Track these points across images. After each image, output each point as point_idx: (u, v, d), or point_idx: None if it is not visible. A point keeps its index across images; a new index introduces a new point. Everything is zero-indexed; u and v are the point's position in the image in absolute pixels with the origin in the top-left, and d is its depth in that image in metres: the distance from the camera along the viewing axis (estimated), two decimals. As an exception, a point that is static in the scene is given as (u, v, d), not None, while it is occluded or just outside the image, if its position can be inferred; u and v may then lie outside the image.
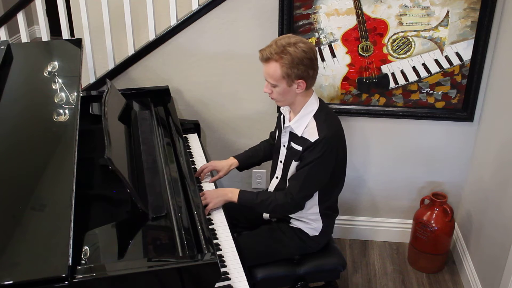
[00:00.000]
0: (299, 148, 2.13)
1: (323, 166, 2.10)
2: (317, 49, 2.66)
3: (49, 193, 1.72)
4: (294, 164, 2.17)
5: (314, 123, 2.10)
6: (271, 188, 2.35)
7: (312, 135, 2.08)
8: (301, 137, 2.12)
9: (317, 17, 2.62)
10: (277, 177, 2.33)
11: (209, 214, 2.17)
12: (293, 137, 2.17)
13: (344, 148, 2.21)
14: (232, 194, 2.21)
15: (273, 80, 2.04)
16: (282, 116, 2.29)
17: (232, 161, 2.45)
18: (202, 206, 2.00)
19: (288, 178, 2.21)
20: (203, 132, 2.99)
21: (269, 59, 2.02)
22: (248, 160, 2.49)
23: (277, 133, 2.36)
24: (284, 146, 2.24)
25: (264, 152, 2.49)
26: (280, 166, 2.29)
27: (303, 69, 2.00)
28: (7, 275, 1.44)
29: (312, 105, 2.13)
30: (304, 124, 2.12)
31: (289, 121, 2.20)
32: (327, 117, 2.12)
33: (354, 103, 2.80)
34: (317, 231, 2.27)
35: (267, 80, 2.07)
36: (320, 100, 2.17)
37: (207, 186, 2.37)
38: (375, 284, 2.87)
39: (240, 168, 2.48)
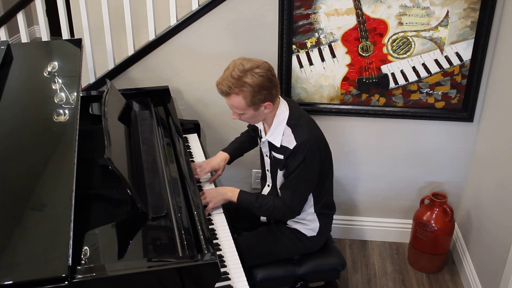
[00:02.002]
0: (281, 157, 2.13)
1: (309, 169, 2.10)
2: (317, 49, 2.69)
3: (49, 193, 1.72)
4: (280, 173, 2.18)
5: (289, 130, 2.10)
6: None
7: (290, 142, 2.08)
8: (281, 146, 2.12)
9: (317, 17, 2.62)
10: (268, 185, 2.34)
11: (209, 214, 2.18)
12: (272, 147, 2.18)
13: (326, 146, 2.20)
14: (232, 193, 2.22)
15: (239, 111, 2.05)
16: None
17: (224, 155, 2.44)
18: (202, 206, 2.00)
19: (278, 187, 2.22)
20: (203, 132, 2.99)
21: (229, 94, 2.00)
22: (237, 152, 2.49)
23: (259, 141, 2.36)
24: (266, 155, 2.26)
25: (249, 143, 2.51)
26: (268, 175, 2.31)
27: (266, 92, 2.00)
28: (7, 275, 1.44)
29: (283, 114, 2.12)
30: (279, 134, 2.12)
31: (265, 133, 2.21)
32: (300, 121, 2.12)
33: (354, 103, 2.80)
34: (315, 231, 2.27)
35: (232, 110, 2.07)
36: (290, 105, 2.16)
37: (207, 185, 2.37)
38: (375, 284, 2.87)
39: (229, 161, 2.47)
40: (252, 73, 1.96)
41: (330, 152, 2.24)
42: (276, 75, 2.08)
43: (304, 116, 2.17)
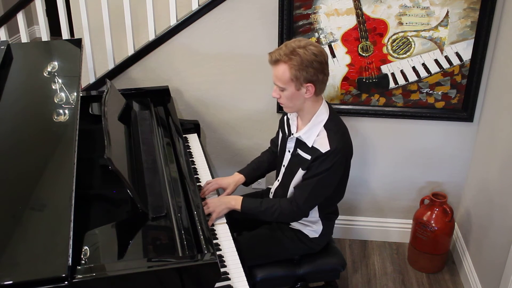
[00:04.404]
0: (308, 157, 2.09)
1: (332, 178, 2.08)
2: (317, 49, 2.68)
3: (49, 193, 1.73)
4: (301, 173, 2.13)
5: (324, 133, 2.06)
6: (272, 189, 2.36)
7: (323, 145, 2.04)
8: (312, 146, 2.08)
9: (317, 17, 2.62)
10: (278, 180, 2.32)
11: (213, 225, 2.14)
12: (300, 144, 2.13)
13: (351, 158, 2.18)
14: (236, 201, 2.18)
15: (281, 83, 1.99)
16: (285, 118, 2.26)
17: (238, 177, 2.38)
18: (202, 206, 2.00)
19: (294, 186, 2.18)
20: (203, 132, 2.99)
21: (278, 61, 1.97)
22: (254, 173, 2.43)
23: (280, 135, 2.32)
24: (289, 151, 2.20)
25: (268, 163, 2.44)
26: (282, 170, 2.27)
27: (313, 72, 1.95)
28: (7, 275, 1.44)
29: (322, 115, 2.08)
30: (314, 134, 2.08)
31: (296, 127, 2.17)
32: (338, 127, 2.09)
33: (354, 103, 2.80)
34: (317, 233, 2.27)
35: (276, 84, 2.03)
36: (330, 109, 2.13)
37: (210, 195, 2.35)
38: (375, 284, 2.87)
39: (246, 183, 2.41)
40: (306, 48, 1.95)
41: (350, 167, 2.22)
42: (329, 67, 2.05)
43: (341, 123, 2.14)
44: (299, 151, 2.13)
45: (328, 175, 2.06)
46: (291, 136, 2.17)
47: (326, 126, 2.07)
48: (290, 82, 1.98)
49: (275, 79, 2.02)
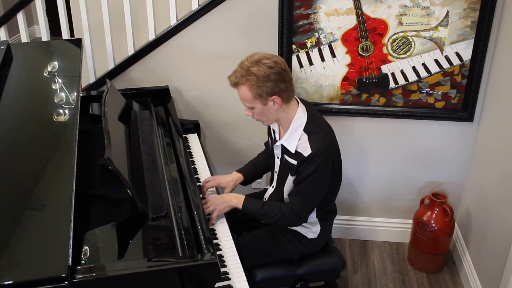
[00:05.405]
0: (294, 162, 2.10)
1: (320, 179, 2.08)
2: (317, 49, 2.68)
3: (49, 193, 1.73)
4: (290, 178, 2.15)
5: (305, 137, 2.07)
6: (266, 195, 2.37)
7: (305, 149, 2.05)
8: (296, 151, 2.10)
9: (317, 17, 2.62)
10: (273, 186, 2.33)
11: (213, 224, 2.15)
12: (286, 150, 2.15)
13: (339, 156, 2.19)
14: (238, 200, 2.18)
15: (247, 103, 2.04)
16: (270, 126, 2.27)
17: (237, 176, 2.39)
18: (202, 206, 2.00)
19: (287, 193, 2.19)
20: (203, 132, 2.99)
21: (237, 84, 2.01)
22: (252, 172, 2.44)
23: (270, 141, 2.34)
24: (278, 157, 2.23)
25: (265, 164, 2.45)
26: (275, 176, 2.29)
27: (272, 85, 1.97)
28: (7, 275, 1.44)
29: (300, 119, 2.09)
30: (295, 139, 2.09)
31: (279, 134, 2.20)
32: (318, 128, 2.09)
33: (354, 103, 2.80)
34: (316, 233, 2.27)
35: (243, 104, 2.07)
36: (308, 109, 2.13)
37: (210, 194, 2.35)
38: (375, 284, 2.87)
39: (244, 182, 2.43)
40: (259, 63, 1.97)
41: (341, 162, 2.22)
42: (290, 72, 2.05)
43: (321, 123, 2.14)
44: (286, 157, 2.15)
45: (317, 177, 2.06)
46: (276, 143, 2.19)
47: (306, 129, 2.09)
48: (255, 100, 2.02)
49: (241, 100, 2.06)
